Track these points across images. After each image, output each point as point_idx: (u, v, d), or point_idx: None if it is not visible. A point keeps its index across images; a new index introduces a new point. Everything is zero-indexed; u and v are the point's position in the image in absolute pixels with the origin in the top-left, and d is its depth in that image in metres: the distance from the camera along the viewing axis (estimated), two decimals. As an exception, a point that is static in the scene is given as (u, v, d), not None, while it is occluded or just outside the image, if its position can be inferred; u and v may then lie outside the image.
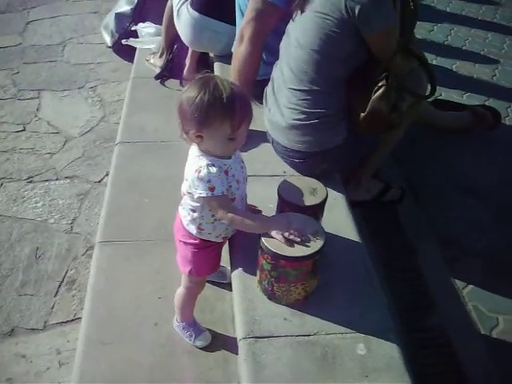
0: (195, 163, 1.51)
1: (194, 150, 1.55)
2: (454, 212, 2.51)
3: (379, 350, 1.51)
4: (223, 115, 1.42)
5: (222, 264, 1.89)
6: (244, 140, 1.52)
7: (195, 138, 1.48)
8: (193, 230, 1.65)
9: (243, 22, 2.17)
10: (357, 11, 1.78)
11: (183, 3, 3.01)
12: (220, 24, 2.94)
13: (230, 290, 2.03)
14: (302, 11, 1.91)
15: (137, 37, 3.94)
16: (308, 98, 1.96)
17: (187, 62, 3.35)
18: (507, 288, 2.12)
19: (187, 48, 3.31)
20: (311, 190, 1.71)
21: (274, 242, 1.49)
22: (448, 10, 4.86)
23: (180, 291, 1.82)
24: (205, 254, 1.70)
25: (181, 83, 3.43)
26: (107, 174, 3.01)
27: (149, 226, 2.34)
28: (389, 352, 1.50)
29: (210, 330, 1.94)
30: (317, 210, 1.70)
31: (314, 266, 1.52)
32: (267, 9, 2.10)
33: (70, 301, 2.40)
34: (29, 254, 2.61)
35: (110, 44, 4.29)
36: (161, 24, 3.54)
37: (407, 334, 1.85)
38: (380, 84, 1.87)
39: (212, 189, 1.48)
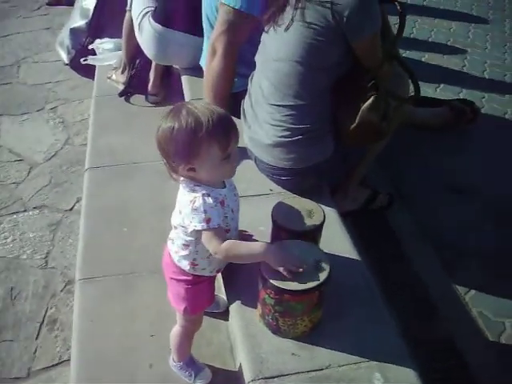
0: (189, 194, 1.41)
1: (186, 181, 1.43)
2: (444, 213, 2.45)
3: (397, 377, 1.42)
4: (209, 139, 1.32)
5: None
6: (237, 156, 1.42)
7: (187, 172, 1.38)
8: (185, 265, 1.53)
9: (214, 35, 2.04)
10: (345, 17, 1.69)
11: (144, 16, 2.87)
12: (186, 36, 2.80)
13: (225, 319, 1.94)
14: (276, 24, 1.81)
15: (95, 54, 3.76)
16: (293, 113, 1.86)
17: (151, 76, 3.21)
18: (510, 290, 2.07)
19: (150, 61, 3.17)
20: (307, 212, 1.61)
21: (276, 275, 1.39)
22: (409, 1, 4.82)
23: (176, 330, 1.70)
24: (199, 289, 1.58)
25: (146, 98, 3.29)
26: (78, 201, 2.87)
27: (131, 257, 2.21)
28: (407, 378, 1.43)
29: (208, 365, 1.82)
30: (316, 234, 1.60)
31: (320, 296, 1.43)
32: (241, 20, 1.98)
33: (53, 342, 2.25)
34: (3, 296, 2.44)
35: (66, 61, 4.10)
36: (119, 37, 3.39)
37: (414, 347, 1.77)
38: (369, 94, 1.78)
39: (208, 220, 1.37)
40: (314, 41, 1.75)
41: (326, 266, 1.41)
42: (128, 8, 3.10)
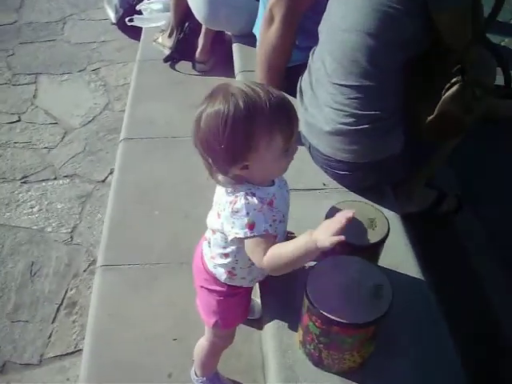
0: (229, 194, 1.15)
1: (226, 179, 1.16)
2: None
3: None
4: (271, 127, 1.05)
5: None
6: (297, 148, 1.16)
7: (240, 171, 1.11)
8: (221, 275, 1.28)
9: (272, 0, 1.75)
10: None
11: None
12: (239, -3, 2.51)
13: (260, 327, 1.68)
14: None
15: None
16: (359, 96, 1.55)
17: (200, 42, 2.93)
18: None
19: (200, 25, 2.88)
20: (368, 221, 1.32)
21: (325, 299, 1.12)
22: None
23: (202, 344, 1.46)
24: (234, 302, 1.34)
25: (193, 66, 3.02)
26: (111, 172, 2.67)
27: (160, 245, 1.97)
28: None
29: (235, 381, 1.59)
30: (377, 250, 1.32)
31: (376, 330, 1.15)
32: None
33: (71, 328, 2.08)
34: (23, 271, 2.28)
35: (114, 20, 3.88)
36: (169, -2, 3.11)
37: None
38: (453, 80, 1.45)
39: (251, 226, 1.10)
40: (389, 9, 1.43)
41: (388, 294, 1.13)
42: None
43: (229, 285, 1.30)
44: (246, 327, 1.70)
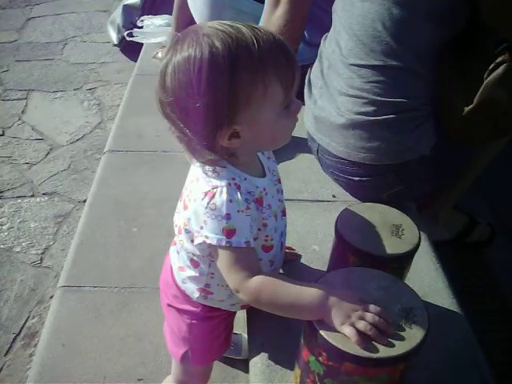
0: (206, 179, 0.84)
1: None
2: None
3: None
4: (264, 71, 0.77)
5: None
6: (300, 104, 0.86)
7: (229, 140, 0.81)
8: (193, 292, 0.97)
9: (279, -21, 1.49)
10: None
11: (201, -26, 2.36)
12: (246, 1, 2.26)
13: (246, 370, 1.34)
14: None
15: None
16: (381, 79, 1.25)
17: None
18: None
19: (203, 39, 2.65)
20: (393, 227, 1.00)
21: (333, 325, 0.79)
22: None
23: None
24: (209, 328, 1.02)
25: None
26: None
27: (134, 266, 1.66)
28: None
29: None
30: (405, 263, 0.99)
31: (404, 370, 0.81)
32: None
33: (25, 363, 1.76)
34: (-19, 293, 1.96)
35: (116, 42, 3.69)
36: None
37: None
38: (499, 60, 1.16)
39: (230, 233, 0.80)
40: None
41: (422, 321, 0.80)
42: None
43: (204, 305, 0.98)
44: (227, 367, 1.36)
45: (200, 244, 0.84)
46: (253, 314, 1.09)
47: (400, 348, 0.77)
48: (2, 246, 2.18)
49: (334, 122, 1.33)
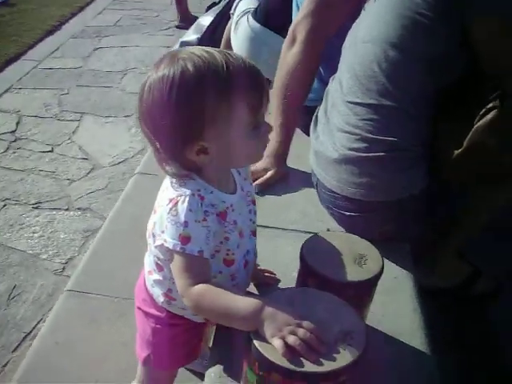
0: (173, 188, 0.91)
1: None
2: None
3: None
4: (230, 93, 0.83)
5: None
6: (269, 126, 0.92)
7: (196, 155, 0.88)
8: (158, 296, 1.03)
9: (297, 18, 1.56)
10: None
11: (244, 14, 2.49)
12: (280, 42, 2.36)
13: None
14: None
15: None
16: (375, 117, 1.30)
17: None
18: None
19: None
20: (357, 255, 1.03)
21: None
22: None
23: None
24: (172, 335, 1.06)
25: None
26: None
27: (136, 279, 1.72)
28: None
29: None
30: (362, 292, 1.01)
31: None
32: None
33: (30, 362, 1.82)
34: (2, 292, 2.10)
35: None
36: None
37: None
38: (490, 105, 1.18)
39: (185, 240, 0.86)
40: (416, 15, 1.19)
41: (357, 345, 0.82)
42: (232, 11, 2.76)
43: (169, 311, 1.03)
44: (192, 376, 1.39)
45: (160, 247, 0.91)
46: (220, 327, 1.13)
47: (327, 366, 0.79)
48: (30, 252, 2.31)
49: (330, 156, 1.38)
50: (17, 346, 1.86)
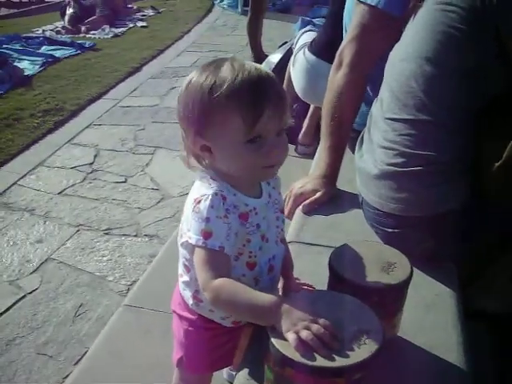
0: (199, 188, 0.97)
1: (205, 171, 1.00)
2: None
3: None
4: (228, 102, 0.89)
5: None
6: (281, 147, 0.95)
7: (200, 150, 0.96)
8: (188, 298, 1.08)
9: (343, 43, 1.61)
10: None
11: (301, 48, 2.58)
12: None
13: None
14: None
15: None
16: (412, 132, 1.29)
17: (305, 123, 2.87)
18: None
19: (308, 108, 2.83)
20: (385, 263, 1.03)
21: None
22: None
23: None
24: (205, 339, 1.10)
25: (295, 149, 2.94)
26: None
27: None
28: None
29: None
30: (386, 298, 1.00)
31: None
32: (377, 21, 1.51)
33: (89, 376, 1.91)
34: (69, 310, 2.23)
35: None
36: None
37: None
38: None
39: (207, 235, 0.91)
40: (450, 29, 1.20)
41: (373, 344, 0.82)
42: (293, 46, 2.86)
43: (200, 315, 1.07)
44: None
45: (186, 245, 0.96)
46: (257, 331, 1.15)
47: (339, 362, 0.79)
48: (98, 274, 2.44)
49: (370, 172, 1.39)
50: (78, 360, 1.96)
